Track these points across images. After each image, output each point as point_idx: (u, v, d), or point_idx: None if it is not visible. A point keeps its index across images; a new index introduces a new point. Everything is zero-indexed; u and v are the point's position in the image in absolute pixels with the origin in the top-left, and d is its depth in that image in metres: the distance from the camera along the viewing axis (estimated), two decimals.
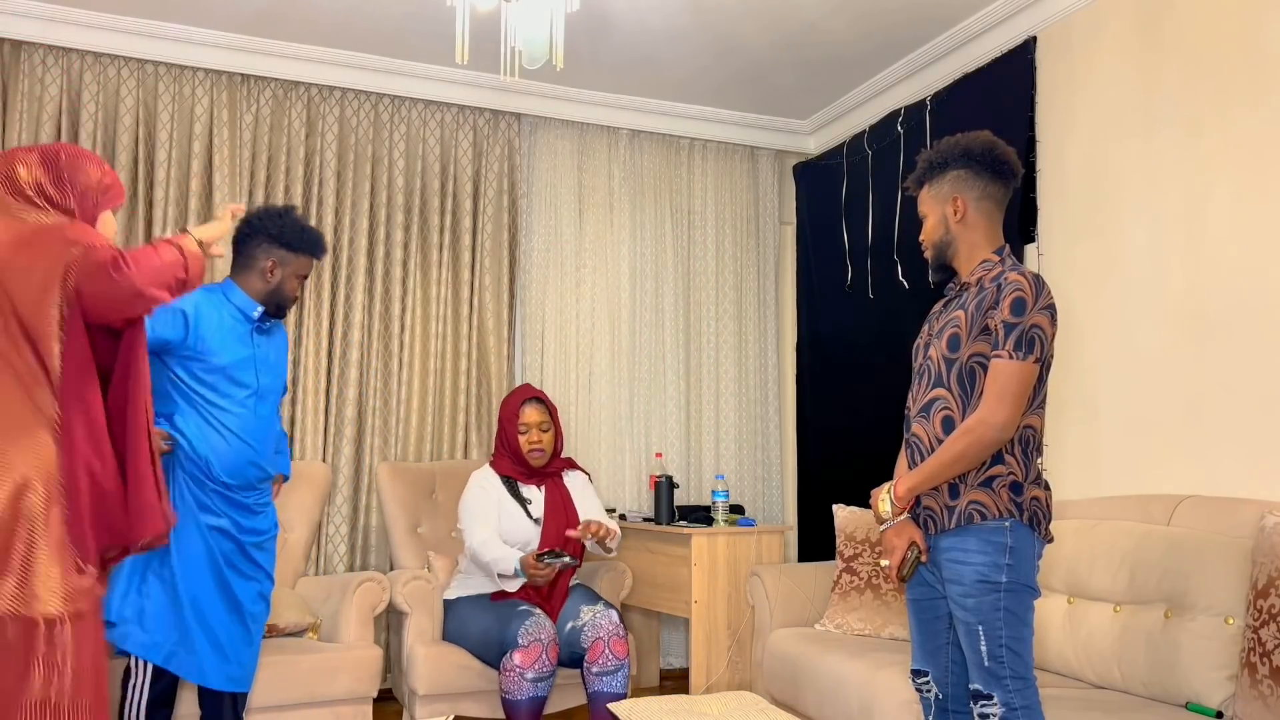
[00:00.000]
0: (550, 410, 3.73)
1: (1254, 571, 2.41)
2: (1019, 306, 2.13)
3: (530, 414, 3.67)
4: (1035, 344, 2.14)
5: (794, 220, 5.18)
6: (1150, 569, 2.69)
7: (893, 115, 4.37)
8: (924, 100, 4.18)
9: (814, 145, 5.16)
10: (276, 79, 4.31)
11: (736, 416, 5.01)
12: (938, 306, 2.39)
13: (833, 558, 4.57)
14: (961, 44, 4.05)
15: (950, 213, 2.30)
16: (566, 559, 3.39)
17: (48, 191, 2.00)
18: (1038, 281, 2.17)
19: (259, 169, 4.27)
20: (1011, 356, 2.13)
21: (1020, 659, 2.14)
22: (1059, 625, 2.92)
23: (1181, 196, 3.14)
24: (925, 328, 2.39)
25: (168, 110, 4.16)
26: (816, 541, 4.78)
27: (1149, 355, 3.22)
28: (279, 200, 4.28)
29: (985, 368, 2.18)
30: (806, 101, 4.85)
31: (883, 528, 2.28)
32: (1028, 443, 2.21)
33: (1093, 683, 2.81)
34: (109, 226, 2.10)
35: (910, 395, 2.37)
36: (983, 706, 2.14)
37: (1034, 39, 3.71)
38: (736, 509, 4.28)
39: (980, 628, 2.13)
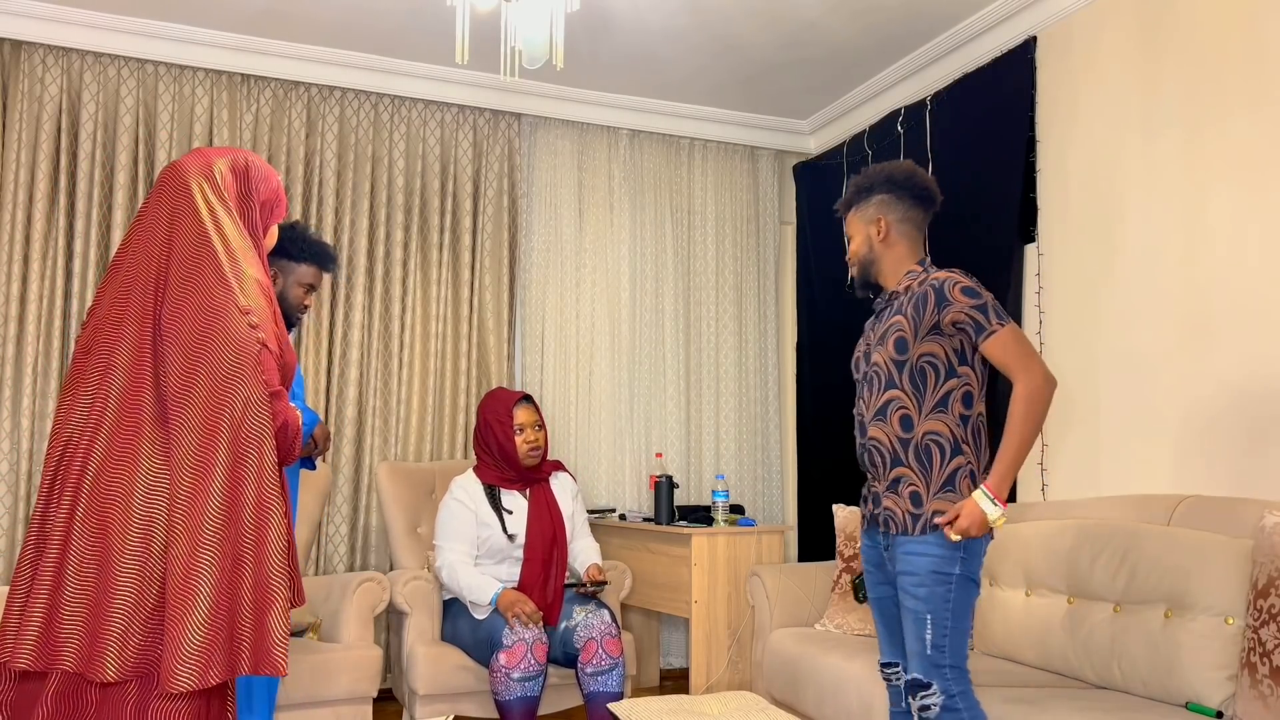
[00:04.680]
0: (539, 410, 3.75)
1: (1254, 571, 2.41)
2: (970, 291, 2.32)
3: (524, 414, 3.65)
4: (1003, 310, 2.33)
5: (794, 220, 5.18)
6: (1150, 569, 2.69)
7: (893, 115, 4.37)
8: (924, 100, 4.18)
9: (814, 145, 5.16)
10: (276, 79, 4.31)
11: (736, 416, 5.01)
12: (871, 320, 2.57)
13: (833, 558, 4.57)
14: (961, 44, 4.05)
15: (874, 233, 2.50)
16: (587, 587, 3.55)
17: (234, 201, 2.02)
18: (963, 271, 2.40)
19: None
20: (1001, 326, 2.29)
21: (959, 650, 2.30)
22: (1059, 625, 2.92)
23: (1181, 197, 3.14)
24: (861, 340, 2.57)
25: (168, 110, 4.16)
26: (816, 541, 4.78)
27: (1149, 355, 3.22)
28: None
29: (934, 365, 2.35)
30: (806, 101, 4.85)
31: (995, 516, 2.28)
32: (979, 431, 2.38)
33: (1093, 683, 2.81)
34: (272, 238, 2.19)
35: (860, 402, 2.50)
36: (923, 698, 2.28)
37: (1034, 39, 3.71)
38: (736, 509, 4.27)
39: (929, 616, 2.28)
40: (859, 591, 2.65)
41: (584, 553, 3.72)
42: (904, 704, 2.48)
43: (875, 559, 2.51)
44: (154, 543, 1.78)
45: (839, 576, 3.67)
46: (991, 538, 2.36)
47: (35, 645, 1.76)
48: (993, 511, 2.26)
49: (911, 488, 2.34)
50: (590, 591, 3.52)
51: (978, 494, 2.27)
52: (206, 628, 1.74)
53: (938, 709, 2.26)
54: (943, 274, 2.37)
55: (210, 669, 1.74)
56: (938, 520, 2.29)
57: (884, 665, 2.52)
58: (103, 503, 1.79)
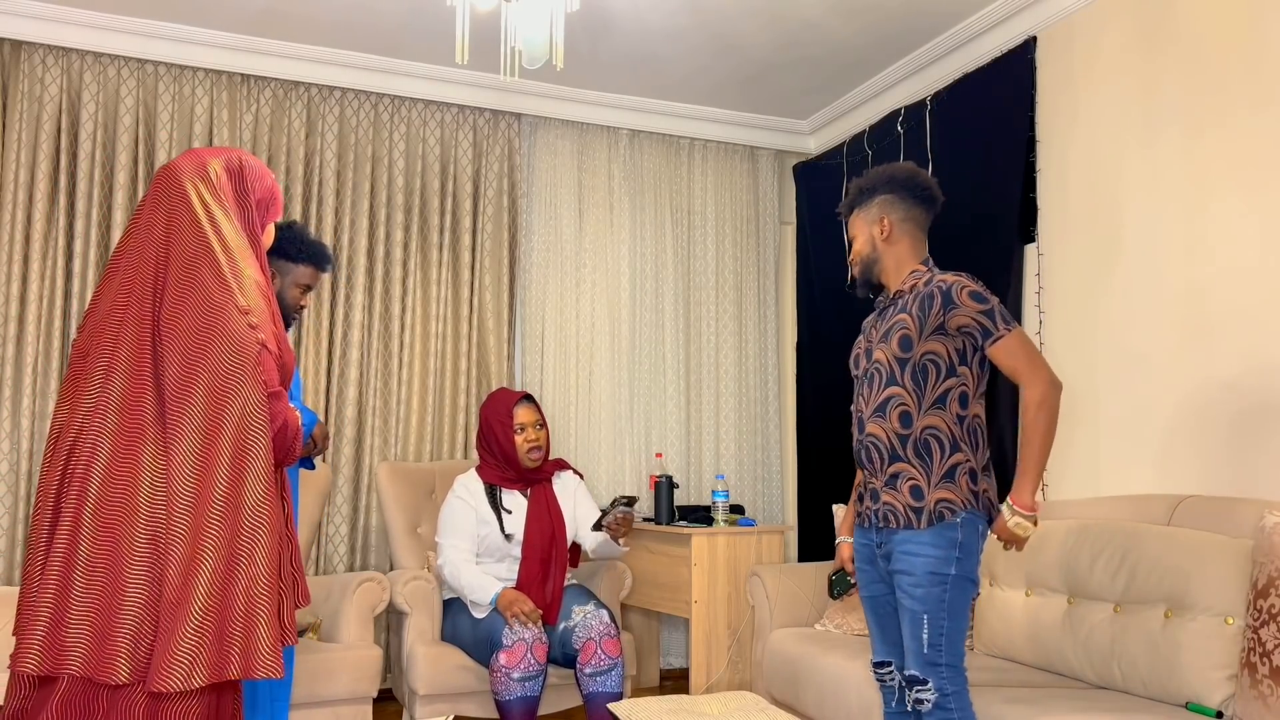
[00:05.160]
0: (541, 410, 3.76)
1: (1254, 571, 2.41)
2: (978, 296, 2.34)
3: (524, 414, 3.66)
4: (1008, 314, 2.35)
5: (794, 220, 5.18)
6: (1150, 569, 2.69)
7: (893, 115, 4.37)
8: (924, 100, 4.18)
9: (814, 145, 5.16)
10: (276, 79, 4.31)
11: (736, 416, 5.01)
12: (871, 318, 2.57)
13: (833, 557, 4.57)
14: (961, 44, 4.05)
15: (877, 232, 2.51)
16: (624, 507, 3.45)
17: (230, 200, 2.00)
18: (969, 275, 2.40)
19: None
20: (1007, 330, 2.32)
21: (955, 649, 2.32)
22: (1059, 625, 2.92)
23: (1181, 197, 3.14)
24: (861, 339, 2.57)
25: (168, 110, 4.16)
26: (816, 541, 4.78)
27: (1149, 355, 3.22)
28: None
29: (936, 364, 2.36)
30: (806, 101, 4.85)
31: (1032, 534, 2.34)
32: (975, 431, 2.39)
33: (1093, 683, 2.81)
34: (269, 237, 2.18)
35: (859, 399, 2.50)
36: (918, 692, 2.32)
37: (1034, 39, 3.71)
38: (736, 509, 4.27)
39: (925, 616, 2.31)
40: (834, 588, 2.65)
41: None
42: (894, 704, 2.51)
43: (868, 556, 2.52)
44: (161, 544, 1.78)
45: None
46: (985, 537, 2.37)
47: (42, 650, 1.74)
48: (1024, 530, 2.28)
49: (911, 482, 2.35)
50: (622, 513, 3.45)
51: (1005, 511, 2.30)
52: (198, 629, 1.74)
53: (930, 705, 2.30)
54: (950, 277, 2.38)
55: (194, 671, 1.73)
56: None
57: (876, 665, 2.53)
58: (109, 506, 1.79)
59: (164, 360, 1.82)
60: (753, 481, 5.03)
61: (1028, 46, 3.72)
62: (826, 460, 4.74)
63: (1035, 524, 2.29)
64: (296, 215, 4.31)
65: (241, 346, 1.83)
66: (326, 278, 4.34)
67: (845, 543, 2.68)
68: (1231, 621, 2.47)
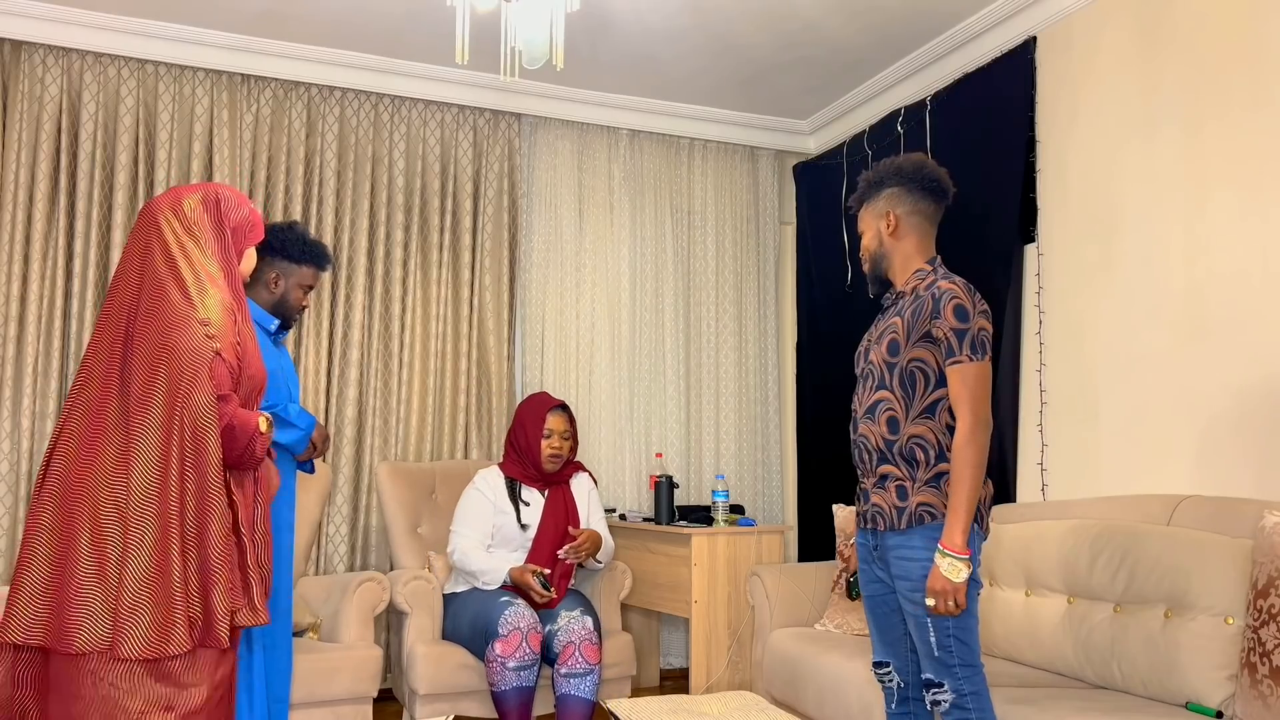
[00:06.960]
0: (573, 421, 3.82)
1: (1254, 571, 2.41)
2: (962, 313, 2.28)
3: (556, 421, 3.74)
4: (985, 345, 2.29)
5: (794, 220, 5.18)
6: (1150, 569, 2.69)
7: (893, 115, 4.37)
8: (924, 100, 4.18)
9: (814, 145, 5.16)
10: (276, 79, 4.31)
11: (736, 416, 5.01)
12: (878, 316, 2.54)
13: (833, 557, 4.57)
14: (961, 44, 4.05)
15: (884, 227, 2.47)
16: (549, 591, 3.51)
17: (206, 231, 2.20)
18: (969, 287, 2.33)
19: (259, 169, 4.27)
20: (970, 359, 2.27)
21: (968, 648, 2.27)
22: (1059, 625, 2.92)
23: (1181, 196, 3.14)
24: (866, 335, 2.55)
25: (168, 110, 4.16)
26: (816, 541, 4.78)
27: (1149, 355, 3.22)
28: (279, 201, 4.29)
29: (924, 371, 2.33)
30: (806, 101, 4.85)
31: (964, 577, 2.23)
32: None
33: (1093, 683, 2.81)
34: (249, 261, 2.34)
35: (856, 397, 2.50)
36: (935, 694, 2.28)
37: (1034, 39, 3.71)
38: (736, 509, 4.27)
39: (929, 620, 2.27)
40: (852, 589, 2.64)
41: None
42: (894, 705, 2.51)
43: (867, 556, 2.51)
44: (112, 531, 1.98)
45: (839, 576, 3.67)
46: (985, 537, 2.34)
47: (46, 623, 1.96)
48: (957, 575, 2.18)
49: (898, 483, 2.34)
50: (565, 553, 3.60)
51: (938, 558, 2.21)
52: (147, 602, 1.93)
53: (947, 705, 2.28)
54: (946, 284, 2.32)
55: (124, 641, 1.92)
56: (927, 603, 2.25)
57: (876, 665, 2.52)
58: (69, 501, 2.01)
59: (131, 368, 2.05)
60: (753, 481, 5.03)
61: (1027, 46, 3.72)
62: (826, 460, 4.74)
63: (969, 566, 2.19)
64: (296, 215, 4.31)
65: (197, 354, 2.05)
66: (326, 277, 4.35)
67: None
68: (1231, 621, 2.47)
